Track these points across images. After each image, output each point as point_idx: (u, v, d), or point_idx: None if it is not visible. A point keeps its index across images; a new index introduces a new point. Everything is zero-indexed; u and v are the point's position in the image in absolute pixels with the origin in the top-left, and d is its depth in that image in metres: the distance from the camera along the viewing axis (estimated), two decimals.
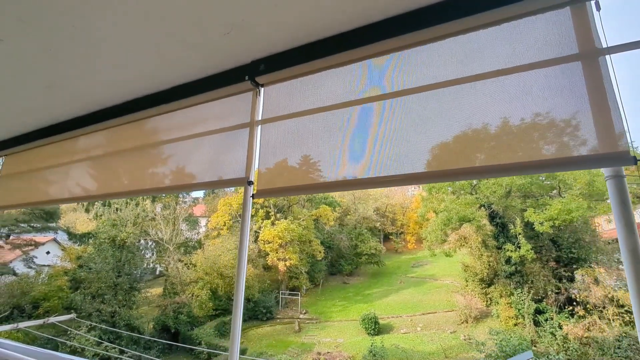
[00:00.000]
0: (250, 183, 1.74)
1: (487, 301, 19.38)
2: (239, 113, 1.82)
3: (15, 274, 19.44)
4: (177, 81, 1.92)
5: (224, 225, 27.40)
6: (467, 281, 20.62)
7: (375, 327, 19.31)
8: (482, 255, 19.26)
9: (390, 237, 39.12)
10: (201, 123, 1.98)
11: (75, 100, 2.18)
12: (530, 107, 1.19)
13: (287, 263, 24.69)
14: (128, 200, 22.42)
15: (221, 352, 16.42)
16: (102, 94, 2.10)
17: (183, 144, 2.04)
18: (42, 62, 1.78)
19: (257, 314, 22.80)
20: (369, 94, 1.49)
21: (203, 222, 30.38)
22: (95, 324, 15.12)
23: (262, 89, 1.78)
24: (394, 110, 1.42)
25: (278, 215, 26.41)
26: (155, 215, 23.71)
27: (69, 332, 14.88)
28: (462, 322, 19.08)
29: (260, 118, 1.75)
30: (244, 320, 22.23)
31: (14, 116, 2.45)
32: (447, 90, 1.33)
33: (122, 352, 15.32)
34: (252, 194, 1.75)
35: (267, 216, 26.36)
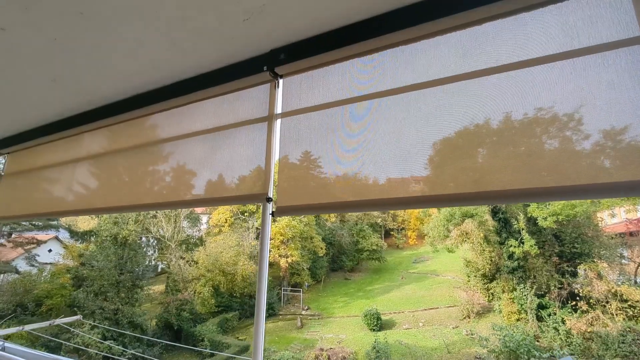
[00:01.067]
0: (269, 200, 1.61)
1: (489, 296, 19.40)
2: (256, 107, 1.72)
3: (17, 272, 19.43)
4: (189, 73, 1.81)
5: (225, 222, 27.36)
6: (469, 277, 20.63)
7: (377, 323, 19.34)
8: (484, 250, 19.23)
9: (392, 233, 39.14)
10: (215, 118, 1.87)
11: (81, 94, 2.08)
12: None
13: (289, 259, 24.69)
14: None
15: (217, 353, 16.41)
16: (110, 88, 2.00)
17: (194, 144, 1.94)
18: (48, 53, 1.67)
19: None
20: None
21: (204, 219, 30.35)
22: (97, 323, 15.10)
23: (281, 80, 1.68)
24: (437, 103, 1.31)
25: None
26: (156, 212, 23.63)
27: (72, 331, 14.88)
28: (465, 318, 19.11)
29: (279, 111, 1.65)
30: (246, 317, 22.26)
31: (17, 112, 2.35)
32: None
33: (124, 350, 15.31)
34: (272, 212, 1.62)
35: None
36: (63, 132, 2.46)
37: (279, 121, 1.66)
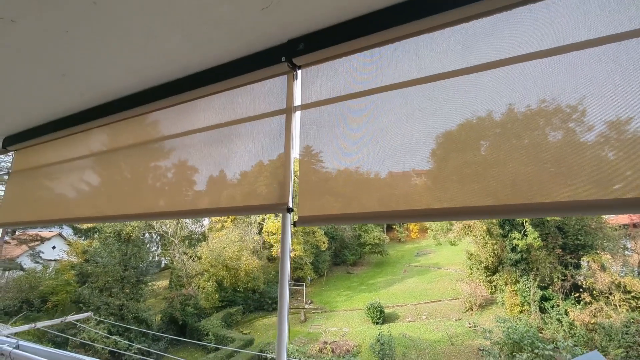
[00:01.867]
0: (289, 210, 1.53)
1: (491, 289, 19.48)
2: (273, 100, 1.67)
3: (22, 269, 19.55)
4: (203, 66, 1.76)
5: (228, 217, 27.40)
6: (471, 269, 20.70)
7: (380, 316, 19.47)
8: (486, 243, 19.26)
9: (393, 226, 39.18)
10: (228, 113, 1.83)
11: (92, 89, 2.02)
12: None
13: (292, 254, 24.78)
14: None
15: (223, 347, 16.56)
16: (122, 82, 1.94)
17: (206, 141, 1.89)
18: (58, 46, 1.62)
19: (262, 304, 23.00)
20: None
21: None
22: (103, 318, 15.21)
23: (300, 71, 1.63)
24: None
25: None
26: None
27: (77, 326, 15.00)
28: (467, 310, 19.22)
29: (298, 103, 1.60)
30: (250, 311, 22.44)
31: (26, 109, 2.30)
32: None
33: (131, 344, 15.45)
34: (294, 222, 1.54)
35: None
36: (72, 128, 2.42)
37: (298, 114, 1.61)
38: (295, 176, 1.63)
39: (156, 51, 1.67)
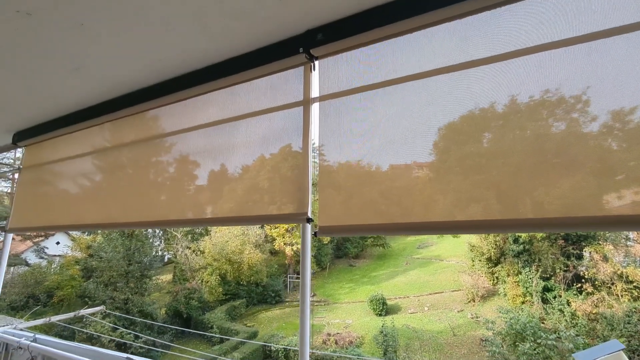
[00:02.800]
0: (309, 220, 1.49)
1: (493, 280, 19.59)
2: (290, 92, 1.65)
3: (27, 264, 19.71)
4: (219, 58, 1.74)
5: (230, 211, 27.40)
6: (473, 261, 20.79)
7: (383, 308, 19.63)
8: (488, 235, 19.30)
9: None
10: (243, 107, 1.81)
11: (104, 83, 2.01)
12: None
13: (294, 247, 24.87)
14: None
15: (229, 338, 16.74)
16: (136, 75, 1.92)
17: (220, 135, 1.88)
18: (73, 39, 1.61)
19: (266, 297, 23.18)
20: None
21: (209, 209, 30.40)
22: (109, 312, 15.38)
23: (317, 62, 1.61)
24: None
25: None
26: None
27: (84, 320, 15.17)
28: (469, 301, 19.35)
29: (316, 95, 1.59)
30: (254, 304, 22.63)
31: (37, 103, 2.29)
32: None
33: (137, 337, 15.63)
34: (315, 232, 1.50)
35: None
36: (82, 123, 2.41)
37: (316, 107, 1.59)
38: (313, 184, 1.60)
39: (173, 43, 1.65)
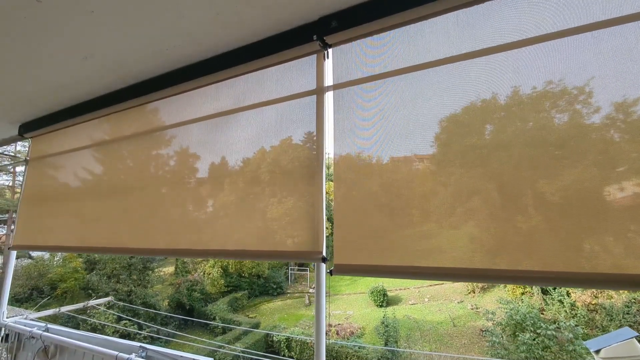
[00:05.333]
0: (324, 260, 1.44)
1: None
2: (302, 81, 1.63)
3: (30, 257, 19.82)
4: (231, 46, 1.72)
5: (231, 204, 27.49)
6: (473, 253, 20.86)
7: (383, 299, 19.81)
8: (489, 227, 19.34)
9: (396, 211, 39.26)
10: (252, 98, 1.80)
11: (113, 72, 1.98)
12: None
13: (295, 240, 24.94)
14: None
15: (235, 327, 16.94)
16: (145, 64, 1.89)
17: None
18: (83, 27, 1.58)
19: (267, 289, 23.38)
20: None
21: (210, 202, 30.48)
22: (115, 301, 15.55)
23: (330, 50, 1.59)
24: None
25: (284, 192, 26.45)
26: None
27: (88, 312, 15.33)
28: (469, 293, 19.52)
29: (330, 83, 1.57)
30: (255, 296, 22.83)
31: (44, 93, 2.27)
32: None
33: (140, 327, 15.82)
34: (330, 270, 1.44)
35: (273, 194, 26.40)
36: (90, 114, 2.39)
37: (330, 96, 1.57)
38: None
39: (184, 31, 1.62)
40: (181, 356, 1.78)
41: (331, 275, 1.43)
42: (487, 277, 1.19)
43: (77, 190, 2.57)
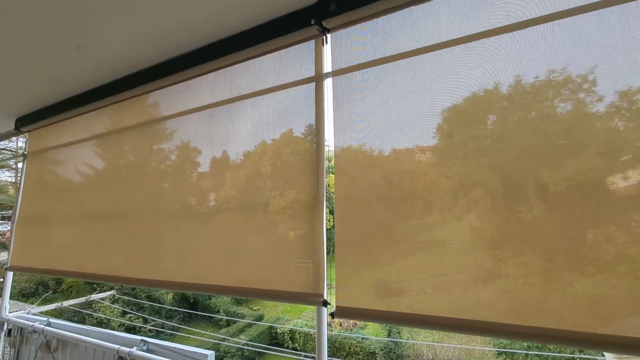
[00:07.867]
0: (325, 304, 1.40)
1: (496, 262, 19.75)
2: (300, 68, 1.58)
3: None
4: (227, 32, 1.66)
5: (233, 198, 27.57)
6: (475, 244, 20.92)
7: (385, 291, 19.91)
8: (491, 218, 19.34)
9: (397, 202, 39.30)
10: (251, 85, 1.75)
11: (107, 62, 1.93)
12: None
13: (297, 233, 25.03)
14: None
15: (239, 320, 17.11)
16: (139, 53, 1.84)
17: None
18: (75, 16, 1.53)
19: None
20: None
21: (212, 196, 30.56)
22: (119, 295, 15.72)
23: (329, 35, 1.53)
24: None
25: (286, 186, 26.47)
26: None
27: (93, 305, 15.50)
28: (471, 283, 19.60)
29: (329, 70, 1.51)
30: None
31: (38, 86, 2.22)
32: None
33: (145, 321, 16.02)
34: (331, 313, 1.39)
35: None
36: (86, 106, 2.35)
37: (329, 82, 1.52)
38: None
39: (178, 18, 1.57)
40: (182, 349, 1.77)
41: (332, 317, 1.39)
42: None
43: (77, 185, 2.55)
